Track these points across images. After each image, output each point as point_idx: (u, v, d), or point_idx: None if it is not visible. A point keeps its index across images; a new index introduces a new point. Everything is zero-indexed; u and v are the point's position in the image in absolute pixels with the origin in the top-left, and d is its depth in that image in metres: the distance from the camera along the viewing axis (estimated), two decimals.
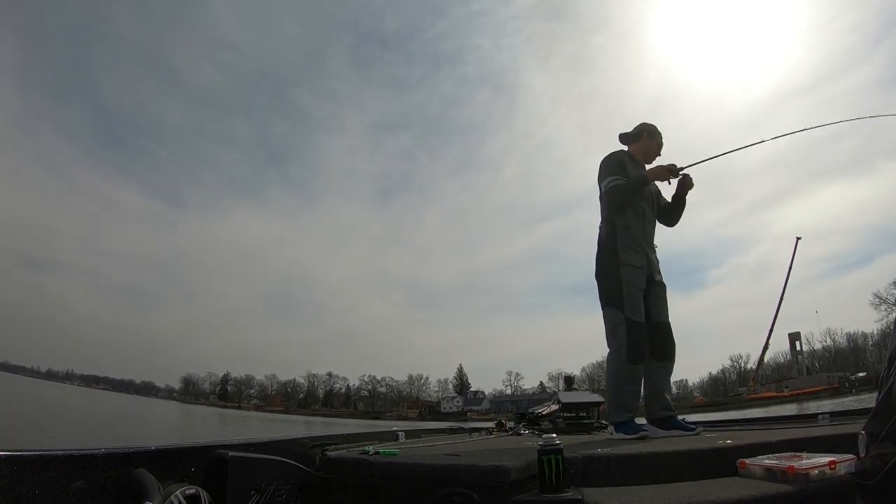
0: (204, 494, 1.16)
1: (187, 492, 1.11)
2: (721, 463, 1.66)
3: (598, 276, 2.93)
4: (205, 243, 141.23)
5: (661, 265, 3.01)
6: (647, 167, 3.11)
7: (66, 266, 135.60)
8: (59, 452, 1.01)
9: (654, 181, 2.99)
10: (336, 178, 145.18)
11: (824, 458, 1.43)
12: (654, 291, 2.91)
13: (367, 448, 1.91)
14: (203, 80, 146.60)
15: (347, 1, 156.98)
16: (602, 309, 2.86)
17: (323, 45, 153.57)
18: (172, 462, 1.23)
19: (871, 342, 53.25)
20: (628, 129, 3.20)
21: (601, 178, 3.01)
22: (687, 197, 3.09)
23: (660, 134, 3.16)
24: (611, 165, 3.02)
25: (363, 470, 1.60)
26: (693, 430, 2.64)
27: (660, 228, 3.16)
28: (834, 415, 2.46)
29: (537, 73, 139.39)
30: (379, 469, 1.58)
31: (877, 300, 45.74)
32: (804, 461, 1.43)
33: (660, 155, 3.15)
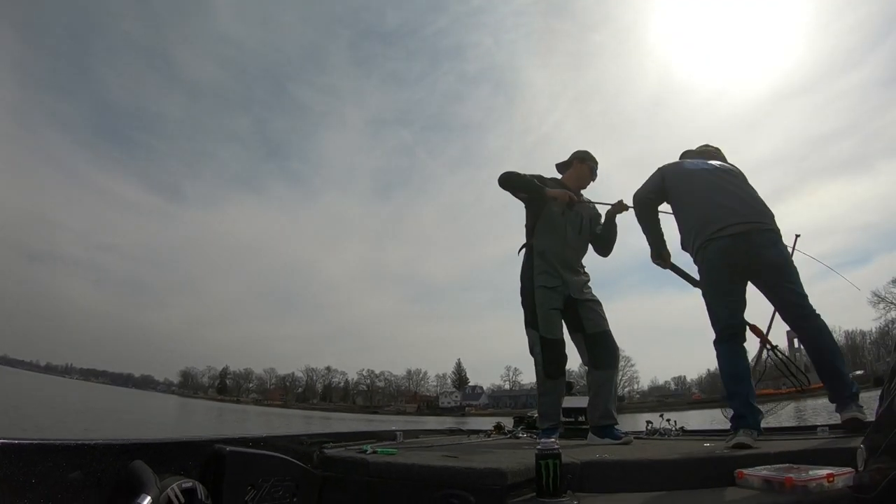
0: (200, 488, 1.16)
1: (184, 485, 1.11)
2: (719, 472, 1.66)
3: (521, 300, 3.09)
4: (204, 237, 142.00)
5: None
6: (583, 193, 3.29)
7: (67, 260, 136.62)
8: (58, 442, 1.01)
9: (552, 199, 3.07)
10: (336, 173, 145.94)
11: (822, 471, 1.42)
12: (582, 306, 3.01)
13: (365, 447, 1.91)
14: (203, 74, 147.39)
15: None
16: (525, 329, 3.03)
17: (323, 40, 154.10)
18: (170, 455, 1.23)
19: (869, 340, 53.46)
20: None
21: None
22: (616, 220, 3.25)
23: (592, 158, 3.29)
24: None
25: (361, 469, 1.60)
26: (622, 438, 2.77)
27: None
28: (833, 427, 2.45)
29: (537, 70, 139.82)
30: (376, 468, 1.58)
31: (875, 298, 45.63)
32: (802, 473, 1.42)
33: (594, 179, 3.30)
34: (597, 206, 3.26)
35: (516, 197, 3.20)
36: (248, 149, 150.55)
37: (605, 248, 3.33)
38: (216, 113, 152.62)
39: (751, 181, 2.70)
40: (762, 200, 2.55)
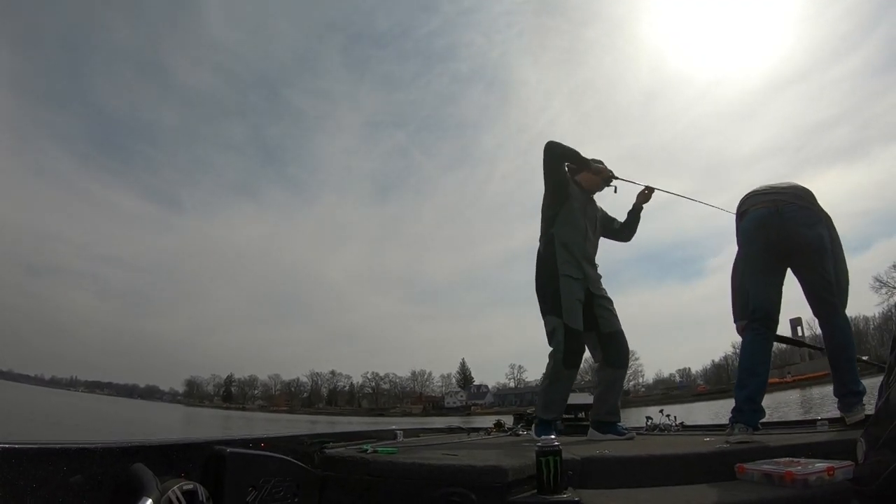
0: (201, 490, 1.17)
1: (185, 487, 1.12)
2: (719, 467, 1.66)
3: (538, 289, 3.07)
4: (204, 245, 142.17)
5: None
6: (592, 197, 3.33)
7: (67, 272, 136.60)
8: (58, 446, 1.02)
9: (595, 173, 3.15)
10: (333, 177, 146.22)
11: (822, 464, 1.43)
12: (597, 303, 3.03)
13: (365, 446, 1.91)
14: (197, 82, 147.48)
15: (339, 1, 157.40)
16: (542, 317, 2.99)
17: (316, 45, 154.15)
18: (170, 457, 1.23)
19: (872, 326, 53.17)
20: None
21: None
22: (642, 213, 3.34)
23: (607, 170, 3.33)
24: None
25: (361, 468, 1.61)
26: (625, 434, 2.78)
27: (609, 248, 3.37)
28: (832, 421, 2.45)
29: (530, 68, 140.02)
30: (377, 468, 1.59)
31: (877, 284, 45.39)
32: (802, 467, 1.43)
33: (601, 189, 3.32)
34: (627, 183, 3.31)
35: (550, 177, 3.13)
36: (244, 155, 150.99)
37: (628, 235, 3.40)
38: (212, 121, 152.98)
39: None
40: (810, 193, 2.48)
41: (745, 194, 2.58)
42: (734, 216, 2.64)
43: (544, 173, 3.12)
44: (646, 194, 3.28)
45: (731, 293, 2.76)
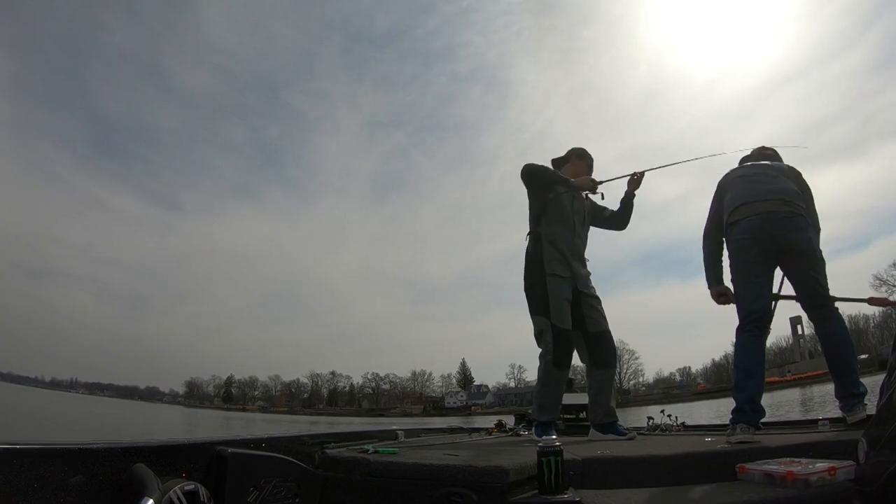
0: (203, 490, 1.17)
1: (186, 488, 1.12)
2: (720, 467, 1.66)
3: (526, 289, 3.05)
4: (204, 247, 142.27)
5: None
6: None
7: (68, 275, 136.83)
8: (60, 446, 1.02)
9: (577, 188, 3.12)
10: (332, 178, 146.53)
11: (824, 464, 1.43)
12: (585, 302, 3.00)
13: (366, 447, 1.91)
14: (196, 84, 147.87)
15: (337, 2, 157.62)
16: (531, 317, 2.99)
17: (314, 46, 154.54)
18: (171, 458, 1.24)
19: (872, 324, 53.58)
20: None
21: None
22: (634, 200, 3.30)
23: (589, 156, 3.32)
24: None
25: (362, 468, 1.61)
26: (626, 434, 2.78)
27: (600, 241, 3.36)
28: (833, 421, 2.45)
29: (528, 68, 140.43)
30: (378, 468, 1.59)
31: (877, 282, 45.33)
32: (803, 467, 1.43)
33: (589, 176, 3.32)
34: (616, 180, 3.28)
35: (528, 187, 3.17)
36: (244, 157, 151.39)
37: (622, 224, 3.36)
38: (211, 122, 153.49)
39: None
40: (796, 192, 2.54)
41: (733, 197, 2.61)
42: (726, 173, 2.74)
43: (526, 188, 3.16)
44: (636, 180, 3.24)
45: (704, 262, 2.81)
